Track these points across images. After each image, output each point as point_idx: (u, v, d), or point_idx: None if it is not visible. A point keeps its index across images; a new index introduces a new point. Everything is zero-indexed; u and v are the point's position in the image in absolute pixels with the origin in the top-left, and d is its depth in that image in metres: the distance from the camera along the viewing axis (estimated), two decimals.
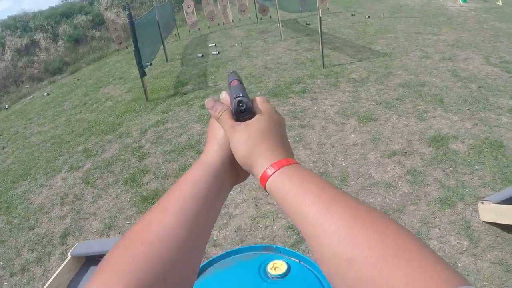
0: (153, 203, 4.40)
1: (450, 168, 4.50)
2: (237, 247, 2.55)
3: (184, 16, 13.48)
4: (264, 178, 0.58)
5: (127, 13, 8.06)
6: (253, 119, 0.64)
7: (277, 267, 1.38)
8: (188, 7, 12.85)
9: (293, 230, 3.93)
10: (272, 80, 7.61)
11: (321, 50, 7.77)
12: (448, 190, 4.16)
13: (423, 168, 4.54)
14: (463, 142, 4.98)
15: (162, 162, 5.54)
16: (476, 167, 4.48)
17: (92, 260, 3.20)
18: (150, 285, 0.47)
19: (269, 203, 4.37)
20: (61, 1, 23.71)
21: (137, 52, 7.76)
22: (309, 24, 12.06)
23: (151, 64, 9.84)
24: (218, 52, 10.40)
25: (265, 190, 0.58)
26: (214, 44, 11.30)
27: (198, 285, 1.37)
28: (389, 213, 3.96)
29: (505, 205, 3.48)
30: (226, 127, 0.64)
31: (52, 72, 14.10)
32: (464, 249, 3.48)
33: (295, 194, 0.53)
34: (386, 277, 0.39)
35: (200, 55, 10.47)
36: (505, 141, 4.87)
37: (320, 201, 0.50)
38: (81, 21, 17.97)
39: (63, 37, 16.16)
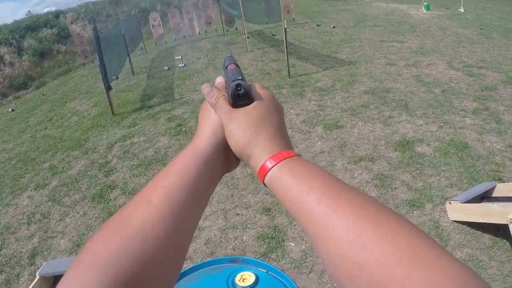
0: None
1: (417, 171, 4.55)
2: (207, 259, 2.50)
3: (151, 29, 13.37)
4: (262, 171, 0.54)
5: (92, 26, 7.93)
6: (251, 105, 0.59)
7: (245, 278, 1.36)
8: (155, 20, 12.78)
9: (263, 240, 3.89)
10: None
11: (286, 60, 7.78)
12: (416, 192, 4.19)
13: (390, 172, 4.56)
14: (429, 144, 5.05)
15: (129, 177, 5.43)
16: (442, 168, 4.55)
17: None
18: (128, 281, 0.44)
19: (238, 214, 4.31)
20: (26, 15, 23.27)
21: (102, 66, 7.64)
22: (275, 35, 12.14)
23: (117, 78, 9.73)
24: (185, 65, 10.35)
25: (264, 184, 0.54)
26: (180, 57, 11.23)
27: None
28: None
29: (472, 204, 3.54)
30: (222, 114, 0.59)
31: (17, 87, 13.76)
32: None
33: (297, 191, 0.48)
34: (402, 280, 0.36)
35: (166, 67, 10.40)
36: (470, 141, 4.97)
37: (325, 199, 0.46)
38: (46, 35, 17.65)
39: (28, 51, 15.80)
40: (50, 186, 5.76)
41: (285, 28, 7.43)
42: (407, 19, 12.79)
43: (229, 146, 0.60)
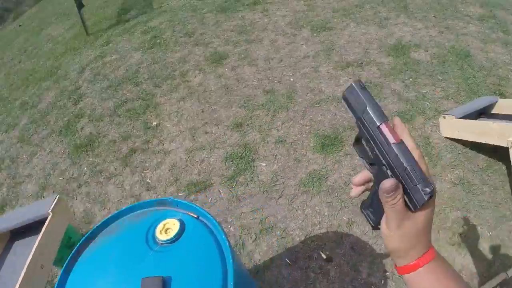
0: (86, 152, 3.78)
1: (410, 79, 4.03)
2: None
3: None
4: (407, 269, 0.60)
5: None
6: (422, 213, 0.58)
7: (168, 228, 1.21)
8: None
9: (232, 161, 3.42)
10: None
11: None
12: (407, 103, 3.70)
13: (380, 79, 3.99)
14: (427, 50, 4.48)
15: (98, 102, 4.84)
16: (439, 77, 4.04)
17: (18, 234, 2.54)
18: None
19: (206, 132, 3.80)
20: None
21: None
22: None
23: None
24: None
25: (401, 276, 0.61)
26: None
27: (79, 264, 1.23)
28: (339, 132, 3.43)
29: (469, 120, 3.11)
30: (396, 216, 0.59)
31: None
32: None
33: None
34: None
35: None
36: (472, 50, 4.42)
37: None
38: None
39: None
40: (20, 126, 5.17)
41: None
42: None
43: None
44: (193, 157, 3.60)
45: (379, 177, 0.61)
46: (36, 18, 11.06)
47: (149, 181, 3.47)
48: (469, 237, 2.69)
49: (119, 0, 8.68)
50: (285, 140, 3.51)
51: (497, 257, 2.55)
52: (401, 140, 0.58)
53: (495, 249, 2.61)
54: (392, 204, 0.58)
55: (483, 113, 3.31)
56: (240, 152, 3.51)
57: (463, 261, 2.57)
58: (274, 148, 3.47)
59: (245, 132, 3.70)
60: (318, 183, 3.11)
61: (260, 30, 5.24)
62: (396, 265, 0.63)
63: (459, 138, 3.21)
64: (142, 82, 4.79)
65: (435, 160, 3.17)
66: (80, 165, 3.80)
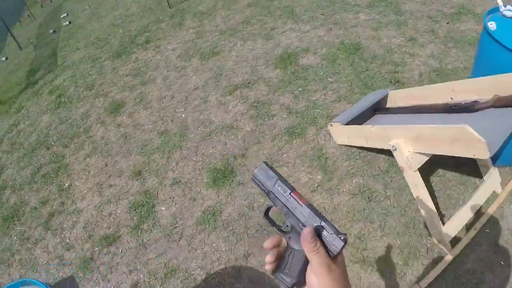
0: (13, 222, 3.76)
1: (300, 89, 4.07)
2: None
3: None
4: None
5: None
6: (340, 258, 0.67)
7: None
8: None
9: (135, 210, 3.48)
10: (118, 38, 6.80)
11: None
12: (297, 116, 3.73)
13: (268, 96, 4.06)
14: (315, 53, 4.54)
15: (17, 172, 4.78)
16: (330, 79, 4.07)
17: None
18: None
19: (111, 185, 3.82)
20: None
21: None
22: None
23: (6, 58, 8.79)
24: (70, 22, 9.35)
25: None
26: (66, 14, 10.16)
27: None
28: (230, 161, 3.48)
29: (353, 126, 3.01)
30: (322, 264, 0.63)
31: None
32: (316, 185, 3.07)
33: None
34: None
35: (52, 31, 9.37)
36: (363, 41, 4.48)
37: None
38: None
39: None
40: None
41: None
42: None
43: None
44: (102, 211, 3.65)
45: (294, 237, 0.70)
46: None
47: (68, 241, 3.52)
48: (374, 251, 2.62)
49: (28, 61, 8.57)
50: (180, 181, 3.55)
51: (409, 267, 2.47)
52: (310, 206, 0.68)
53: (405, 258, 2.50)
54: (316, 249, 0.63)
55: (377, 109, 3.20)
56: (141, 200, 3.55)
57: (370, 277, 2.47)
58: (171, 190, 3.52)
59: (144, 179, 3.74)
60: (213, 219, 3.16)
61: (153, 69, 5.28)
62: None
63: (351, 145, 3.15)
64: (52, 145, 4.78)
65: (330, 172, 3.15)
66: (10, 235, 3.84)
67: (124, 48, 6.22)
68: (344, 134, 3.12)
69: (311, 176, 3.14)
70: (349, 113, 3.15)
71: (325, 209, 2.90)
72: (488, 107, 2.35)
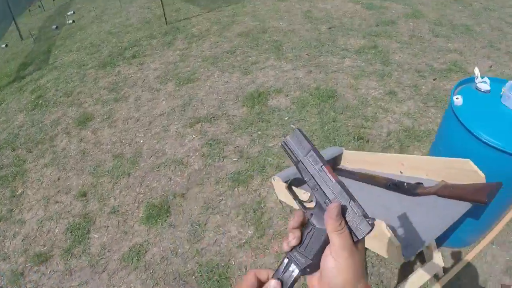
0: None
1: (259, 132, 4.02)
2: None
3: None
4: None
5: None
6: (361, 243, 0.62)
7: None
8: None
9: (71, 232, 3.45)
10: (110, 47, 6.84)
11: (161, 5, 6.99)
12: (247, 161, 3.68)
13: (227, 135, 4.03)
14: (287, 95, 4.52)
15: None
16: (292, 126, 4.01)
17: None
18: None
19: (57, 202, 3.81)
20: None
21: None
22: None
23: (6, 45, 8.86)
24: (73, 21, 9.41)
25: None
26: (72, 12, 10.24)
27: None
28: (169, 199, 3.44)
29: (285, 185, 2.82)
30: (344, 246, 0.58)
31: None
32: (244, 241, 3.02)
33: None
34: None
35: (54, 26, 9.44)
36: (340, 88, 4.46)
37: None
38: None
39: None
40: None
41: None
42: None
43: None
44: (42, 227, 3.61)
45: (318, 213, 0.65)
46: None
47: (6, 251, 3.47)
48: None
49: (24, 53, 8.62)
50: (119, 210, 3.52)
51: None
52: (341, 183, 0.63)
53: None
54: (340, 228, 0.59)
55: (332, 165, 3.05)
56: (79, 223, 3.52)
57: None
58: (107, 219, 3.49)
59: (87, 201, 3.71)
60: (137, 258, 3.12)
61: (129, 86, 5.29)
62: None
63: (289, 203, 2.97)
64: (18, 147, 4.77)
65: (263, 229, 3.08)
66: None
67: (111, 59, 6.24)
68: (283, 191, 2.90)
69: (241, 230, 3.09)
70: (292, 170, 2.98)
71: (245, 268, 2.85)
72: (431, 194, 2.27)
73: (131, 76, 5.55)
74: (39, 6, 12.35)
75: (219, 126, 4.20)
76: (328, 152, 3.01)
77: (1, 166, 4.52)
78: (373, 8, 6.84)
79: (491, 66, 4.84)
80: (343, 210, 0.61)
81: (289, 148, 0.69)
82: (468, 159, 2.05)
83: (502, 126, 2.17)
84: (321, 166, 0.64)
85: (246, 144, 3.93)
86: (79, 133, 4.64)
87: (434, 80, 4.56)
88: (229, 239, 3.04)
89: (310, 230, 0.65)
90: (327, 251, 0.61)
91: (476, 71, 2.51)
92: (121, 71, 5.78)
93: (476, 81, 2.49)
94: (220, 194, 3.42)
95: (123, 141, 4.30)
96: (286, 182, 2.49)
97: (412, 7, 6.80)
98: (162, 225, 3.29)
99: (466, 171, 2.06)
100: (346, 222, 0.60)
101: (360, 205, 0.60)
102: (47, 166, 4.28)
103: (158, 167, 3.84)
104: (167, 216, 3.35)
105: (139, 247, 3.18)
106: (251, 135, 4.01)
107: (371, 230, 0.59)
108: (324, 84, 4.62)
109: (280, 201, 3.24)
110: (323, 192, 0.64)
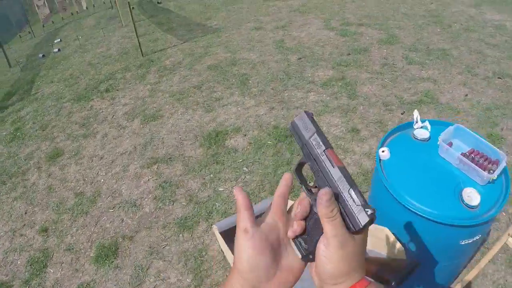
0: None
1: (212, 175, 4.17)
2: None
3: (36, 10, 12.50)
4: None
5: None
6: (362, 235, 0.59)
7: None
8: (39, 0, 11.91)
9: (31, 265, 3.71)
10: (87, 79, 7.12)
11: (136, 37, 7.27)
12: (195, 206, 3.85)
13: (180, 177, 4.26)
14: (245, 135, 4.67)
15: None
16: (245, 169, 4.13)
17: None
18: None
19: (21, 235, 4.10)
20: None
21: None
22: (160, 3, 11.41)
23: None
24: (59, 50, 9.71)
25: None
26: (59, 40, 10.55)
27: None
28: (119, 242, 3.68)
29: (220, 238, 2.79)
30: (335, 235, 0.56)
31: None
32: None
33: None
34: None
35: (41, 55, 9.74)
36: None
37: None
38: None
39: None
40: None
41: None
42: None
43: (284, 266, 0.60)
44: (6, 257, 3.88)
45: None
46: None
47: None
48: None
49: (11, 81, 8.89)
50: (74, 248, 3.77)
51: None
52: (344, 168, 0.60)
53: None
54: (332, 215, 0.56)
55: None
56: (38, 257, 3.79)
57: None
58: (63, 255, 3.74)
59: (48, 236, 3.98)
60: None
61: (99, 122, 5.55)
62: None
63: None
64: None
65: (201, 278, 3.16)
66: None
67: (86, 92, 6.52)
68: (222, 241, 2.83)
69: (180, 277, 3.29)
70: (232, 219, 2.97)
71: None
72: None
73: (102, 112, 5.82)
74: (29, 32, 12.68)
75: (174, 167, 4.42)
76: (267, 203, 3.04)
77: None
78: (347, 34, 6.87)
79: (466, 95, 4.78)
80: (338, 197, 0.58)
81: (295, 131, 0.68)
82: (384, 228, 1.91)
83: (435, 186, 1.88)
84: (324, 150, 0.62)
85: (197, 187, 4.04)
86: (49, 169, 4.90)
87: (402, 114, 4.49)
88: (168, 285, 3.25)
89: (312, 217, 0.62)
90: (321, 237, 0.59)
91: (415, 114, 2.22)
92: (93, 106, 6.05)
93: (415, 126, 2.21)
94: (166, 239, 3.64)
95: (85, 179, 4.55)
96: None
97: (388, 32, 6.79)
98: (109, 266, 3.53)
99: (384, 241, 1.92)
100: (343, 211, 0.57)
101: (361, 194, 0.57)
102: (17, 200, 4.55)
103: (113, 208, 4.08)
104: (115, 258, 3.58)
105: (86, 285, 3.43)
106: (204, 178, 4.13)
107: (370, 222, 0.55)
108: (284, 121, 4.73)
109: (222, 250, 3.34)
110: (324, 177, 0.61)
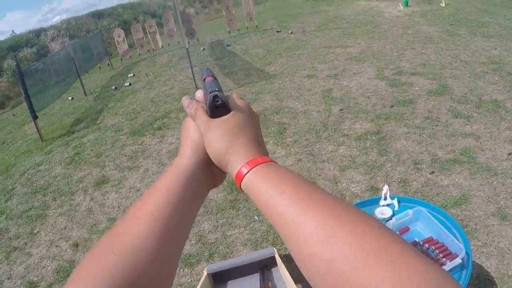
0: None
1: (225, 219, 4.19)
2: None
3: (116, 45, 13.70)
4: (238, 177, 0.55)
5: (14, 63, 8.29)
6: (228, 115, 0.61)
7: None
8: (119, 36, 13.09)
9: (57, 273, 4.17)
10: (145, 115, 7.71)
11: (193, 79, 7.75)
12: (201, 246, 3.90)
13: (197, 218, 4.34)
14: None
15: (16, 204, 5.88)
16: (256, 217, 4.09)
17: None
18: None
19: (57, 246, 4.62)
20: (10, 35, 24.26)
21: (27, 98, 8.07)
22: (229, 45, 12.08)
23: (72, 98, 10.10)
24: (130, 84, 10.54)
25: (241, 189, 0.56)
26: (132, 74, 11.45)
27: None
28: None
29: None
30: (201, 124, 0.61)
31: None
32: None
33: (270, 194, 0.49)
34: (369, 278, 0.35)
35: (114, 87, 10.62)
36: (321, 181, 4.32)
37: (296, 201, 0.46)
38: (26, 54, 18.48)
39: (7, 72, 16.74)
40: None
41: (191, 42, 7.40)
42: (377, 19, 11.99)
43: (212, 162, 0.61)
44: (41, 261, 4.43)
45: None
46: (26, 110, 12.30)
47: (12, 273, 4.38)
48: None
49: (82, 109, 9.73)
50: None
51: None
52: (215, 79, 0.68)
53: None
54: (191, 113, 0.63)
55: (267, 265, 2.88)
56: (65, 267, 4.23)
57: None
58: None
59: (77, 251, 4.47)
60: None
61: (145, 157, 6.03)
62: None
63: None
64: (48, 194, 5.82)
65: None
66: None
67: (142, 127, 7.10)
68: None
69: None
70: (225, 264, 2.95)
71: None
72: None
73: (150, 148, 6.31)
74: (108, 65, 13.85)
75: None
76: (260, 254, 2.93)
77: (31, 207, 5.57)
78: (396, 85, 6.51)
79: (509, 154, 4.18)
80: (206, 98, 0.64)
81: (201, 76, 0.75)
82: None
83: None
84: (204, 79, 0.69)
85: (209, 229, 4.07)
86: (93, 193, 5.44)
87: (430, 174, 4.09)
88: None
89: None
90: None
91: (384, 190, 2.10)
92: (144, 141, 6.57)
93: (381, 203, 2.10)
94: None
95: (120, 207, 4.99)
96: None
97: (440, 82, 6.30)
98: None
99: None
100: (207, 106, 0.62)
101: (216, 85, 0.63)
102: (61, 215, 5.15)
103: None
104: None
105: None
106: (217, 221, 4.16)
107: (215, 100, 0.60)
108: (307, 175, 4.49)
109: None
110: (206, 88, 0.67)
